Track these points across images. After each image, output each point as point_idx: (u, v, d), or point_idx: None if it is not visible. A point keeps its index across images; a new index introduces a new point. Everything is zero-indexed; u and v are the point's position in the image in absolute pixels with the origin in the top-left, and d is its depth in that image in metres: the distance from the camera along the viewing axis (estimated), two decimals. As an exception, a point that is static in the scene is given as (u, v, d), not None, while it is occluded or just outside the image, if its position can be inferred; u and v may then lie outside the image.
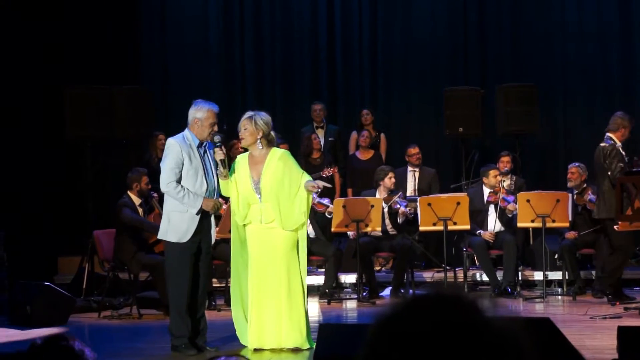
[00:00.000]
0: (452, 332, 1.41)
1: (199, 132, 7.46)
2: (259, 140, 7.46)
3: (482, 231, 10.72)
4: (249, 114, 7.53)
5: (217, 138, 7.44)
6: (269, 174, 7.44)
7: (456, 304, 1.46)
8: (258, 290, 7.42)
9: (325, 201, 10.58)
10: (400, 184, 11.49)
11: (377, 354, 1.44)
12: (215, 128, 7.48)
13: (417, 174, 11.97)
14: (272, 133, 7.57)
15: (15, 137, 11.53)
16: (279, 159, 7.46)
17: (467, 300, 1.46)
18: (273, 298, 7.40)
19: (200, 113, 7.46)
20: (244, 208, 7.51)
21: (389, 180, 10.80)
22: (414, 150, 11.95)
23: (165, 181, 7.43)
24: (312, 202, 10.28)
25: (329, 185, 8.35)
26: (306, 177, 7.54)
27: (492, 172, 10.85)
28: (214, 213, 7.58)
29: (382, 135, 12.73)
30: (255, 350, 7.42)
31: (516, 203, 10.49)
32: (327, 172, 11.35)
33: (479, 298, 1.47)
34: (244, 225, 7.57)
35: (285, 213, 7.43)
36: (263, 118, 7.48)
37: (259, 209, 7.47)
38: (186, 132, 7.52)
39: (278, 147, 7.86)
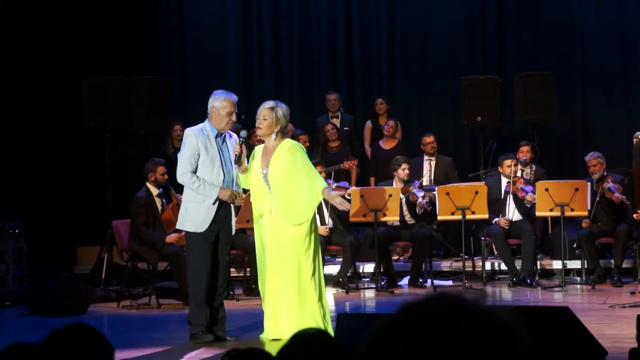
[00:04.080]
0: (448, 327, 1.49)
1: (217, 121, 7.48)
2: (274, 133, 7.45)
3: (497, 218, 10.69)
4: (270, 103, 7.47)
5: (243, 133, 7.54)
6: (276, 166, 7.39)
7: (446, 300, 1.53)
8: (271, 281, 7.42)
9: (344, 184, 10.59)
10: (416, 174, 11.45)
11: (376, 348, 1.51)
12: (234, 118, 7.50)
13: (433, 163, 11.93)
14: (290, 125, 7.55)
15: (35, 127, 11.57)
16: (287, 151, 7.39)
17: (455, 296, 1.52)
18: (284, 289, 7.36)
19: (218, 102, 7.48)
20: (256, 199, 7.53)
21: (402, 172, 10.78)
22: (429, 139, 11.91)
23: (181, 171, 7.47)
24: (330, 187, 10.32)
25: (348, 208, 8.17)
26: (322, 182, 7.45)
27: (507, 162, 10.78)
28: (232, 203, 7.58)
29: (397, 124, 12.68)
30: (274, 340, 7.42)
31: (534, 193, 10.44)
32: (347, 164, 11.34)
33: (465, 293, 1.59)
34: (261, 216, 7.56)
35: (291, 206, 7.35)
36: (284, 110, 7.41)
37: (269, 200, 7.43)
38: (206, 122, 7.54)
39: (298, 138, 7.83)
